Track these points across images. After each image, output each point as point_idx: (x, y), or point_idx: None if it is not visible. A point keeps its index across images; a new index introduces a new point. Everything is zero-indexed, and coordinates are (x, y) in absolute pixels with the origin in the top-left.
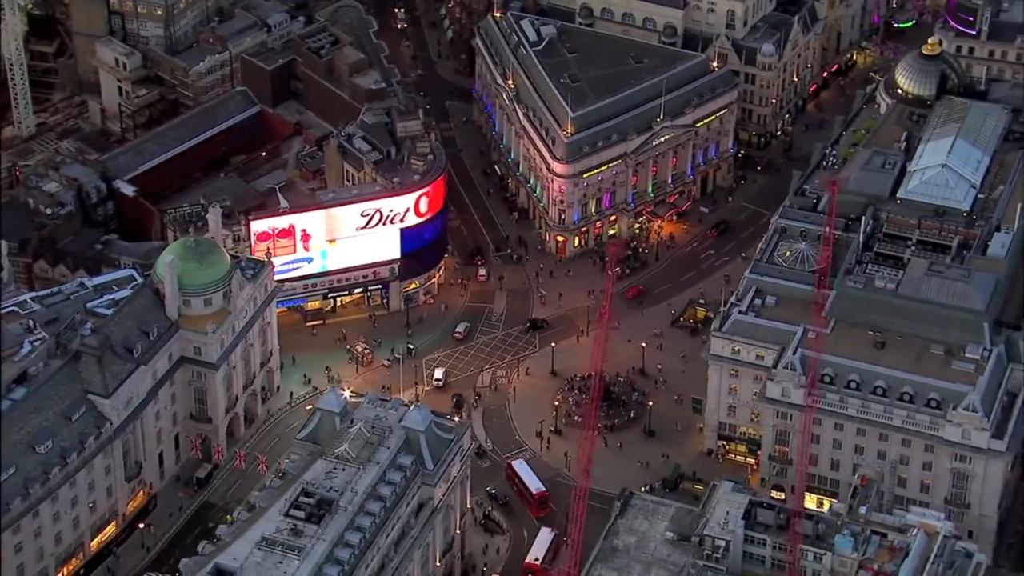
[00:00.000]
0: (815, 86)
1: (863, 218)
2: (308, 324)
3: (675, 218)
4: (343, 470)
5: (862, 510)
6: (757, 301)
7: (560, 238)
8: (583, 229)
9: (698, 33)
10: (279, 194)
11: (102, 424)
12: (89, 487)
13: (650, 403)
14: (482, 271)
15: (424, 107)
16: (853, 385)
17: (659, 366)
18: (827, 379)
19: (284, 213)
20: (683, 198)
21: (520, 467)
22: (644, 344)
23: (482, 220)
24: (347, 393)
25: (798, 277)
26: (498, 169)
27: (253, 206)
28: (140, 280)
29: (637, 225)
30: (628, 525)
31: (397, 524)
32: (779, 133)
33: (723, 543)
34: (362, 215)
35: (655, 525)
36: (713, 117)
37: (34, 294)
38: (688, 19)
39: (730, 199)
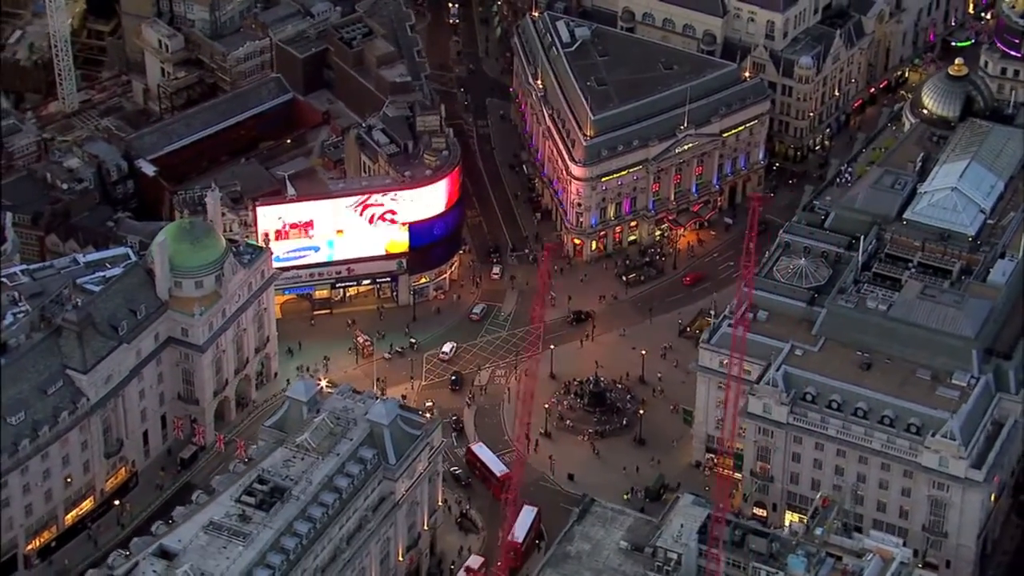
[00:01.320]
0: (860, 101)
1: (862, 237)
2: (315, 313)
3: (698, 227)
4: (302, 459)
5: (818, 531)
6: (749, 315)
7: (577, 241)
8: (602, 233)
9: (737, 42)
10: (288, 182)
11: (78, 399)
12: (63, 461)
13: (641, 412)
14: (495, 269)
15: (464, 103)
16: (835, 405)
17: (659, 375)
18: (809, 398)
19: (290, 201)
20: (707, 207)
21: (480, 451)
22: (644, 352)
23: (504, 219)
24: (323, 383)
25: (792, 293)
26: (525, 169)
27: (266, 192)
28: (134, 259)
29: (658, 232)
30: (584, 532)
31: (353, 516)
32: (817, 147)
33: (675, 556)
34: (354, 208)
35: (611, 534)
36: (742, 128)
37: (24, 267)
38: (728, 28)
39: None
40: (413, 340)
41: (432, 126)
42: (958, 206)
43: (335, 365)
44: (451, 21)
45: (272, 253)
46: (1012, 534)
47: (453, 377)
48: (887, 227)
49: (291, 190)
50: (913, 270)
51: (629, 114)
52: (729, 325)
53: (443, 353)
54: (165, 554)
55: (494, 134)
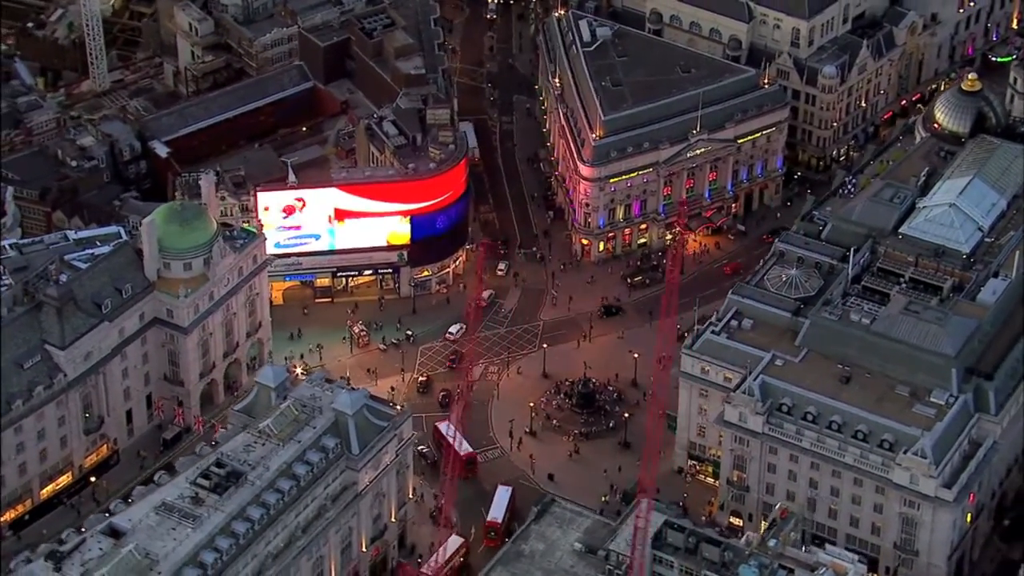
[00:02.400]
0: (890, 113)
1: (852, 250)
2: (317, 300)
3: (710, 232)
4: (263, 445)
5: (772, 543)
6: (733, 322)
7: (585, 241)
8: (610, 235)
9: (763, 48)
10: (289, 168)
11: (55, 375)
12: (38, 435)
13: (626, 415)
14: (501, 265)
15: (491, 99)
16: (810, 417)
17: (652, 379)
18: (785, 409)
19: (291, 187)
20: (720, 213)
21: (447, 430)
22: (636, 355)
23: (518, 216)
24: (298, 371)
25: (779, 303)
26: (542, 167)
27: (269, 179)
28: (125, 238)
29: (669, 236)
30: (541, 532)
31: (312, 505)
32: (841, 158)
33: (628, 560)
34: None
35: (567, 535)
36: (759, 134)
37: (13, 240)
38: (754, 33)
39: (778, 216)
40: (410, 332)
41: (442, 119)
42: (955, 222)
43: (330, 354)
44: (489, 17)
45: (265, 239)
46: (993, 556)
47: (453, 357)
48: (882, 241)
49: (292, 177)
50: (904, 285)
51: (641, 116)
52: (712, 332)
53: (449, 333)
54: (114, 532)
55: (517, 131)
